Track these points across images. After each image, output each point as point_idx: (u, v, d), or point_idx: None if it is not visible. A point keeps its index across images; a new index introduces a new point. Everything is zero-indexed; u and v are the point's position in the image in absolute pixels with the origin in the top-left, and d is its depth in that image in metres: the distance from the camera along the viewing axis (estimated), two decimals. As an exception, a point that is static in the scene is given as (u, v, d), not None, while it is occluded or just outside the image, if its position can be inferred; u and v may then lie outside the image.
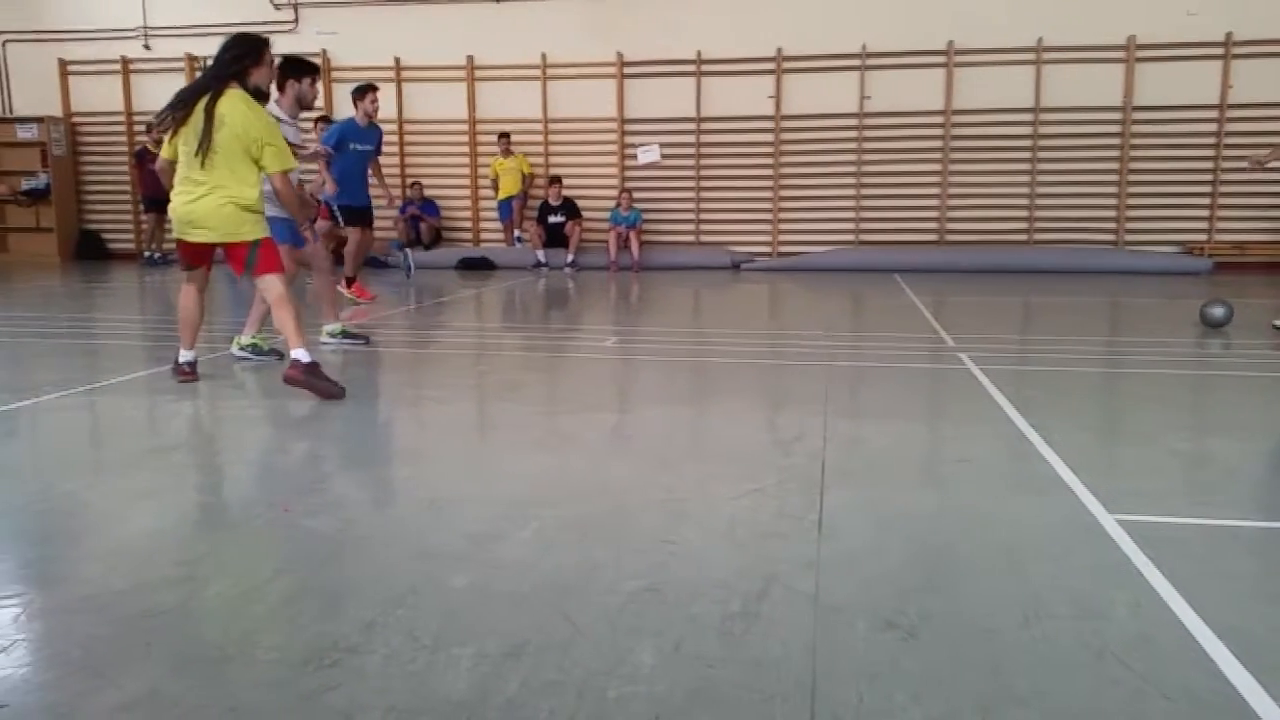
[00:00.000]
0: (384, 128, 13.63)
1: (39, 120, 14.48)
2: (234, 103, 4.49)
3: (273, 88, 5.21)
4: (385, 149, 13.64)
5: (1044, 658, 1.92)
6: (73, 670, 1.87)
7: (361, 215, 8.33)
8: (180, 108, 4.54)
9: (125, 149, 14.66)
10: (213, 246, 4.73)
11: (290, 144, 5.16)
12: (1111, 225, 12.60)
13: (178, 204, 4.63)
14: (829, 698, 1.76)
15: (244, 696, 1.77)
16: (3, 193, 14.63)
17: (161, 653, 1.93)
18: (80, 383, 4.90)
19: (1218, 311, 6.82)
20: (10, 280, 11.51)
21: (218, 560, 2.51)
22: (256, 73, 4.64)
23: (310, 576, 2.36)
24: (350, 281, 8.41)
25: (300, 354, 4.50)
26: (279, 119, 5.36)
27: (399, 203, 11.74)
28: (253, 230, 4.65)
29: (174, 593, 2.24)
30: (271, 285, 4.67)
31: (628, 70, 13.34)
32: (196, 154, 4.46)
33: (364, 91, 8.09)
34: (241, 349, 5.59)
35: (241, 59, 4.58)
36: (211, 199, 4.52)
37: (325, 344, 6.01)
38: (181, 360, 4.88)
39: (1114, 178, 12.49)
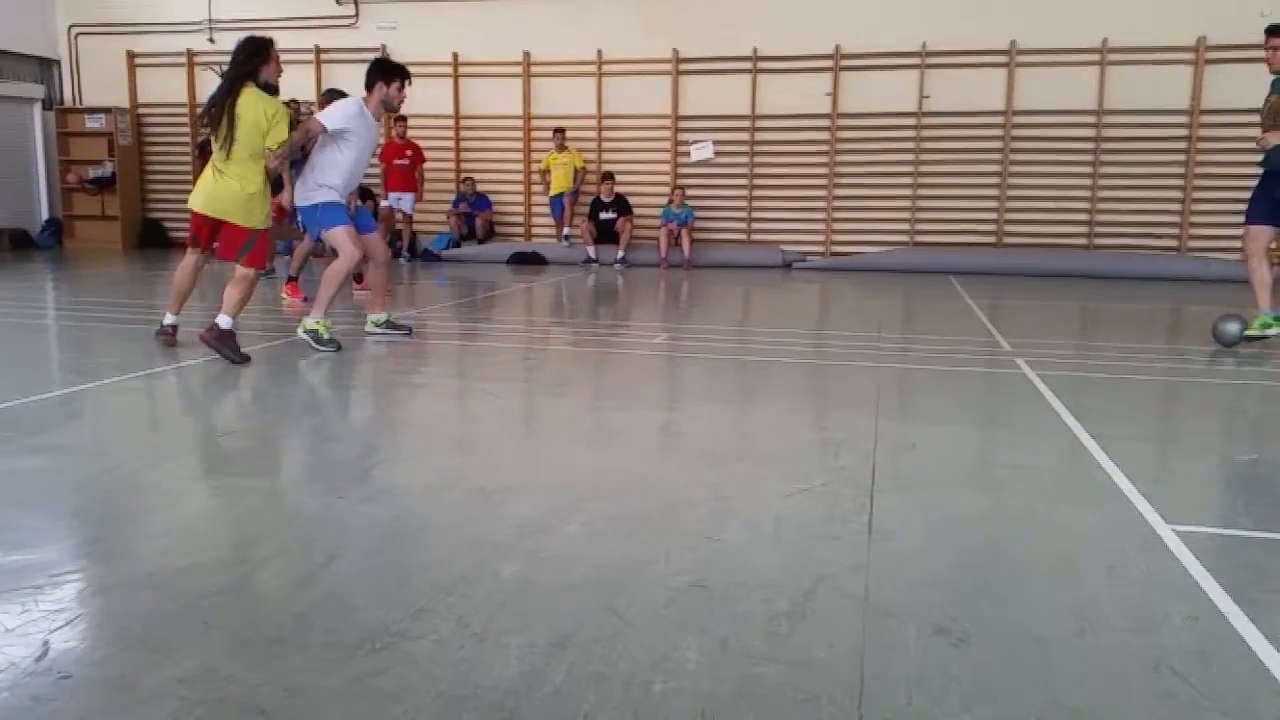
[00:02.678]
0: (441, 122, 13.97)
1: (107, 111, 14.84)
2: (248, 98, 5.12)
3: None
4: (441, 142, 13.94)
5: (1098, 669, 1.88)
6: (133, 644, 1.92)
7: None
8: (212, 113, 5.15)
9: (188, 140, 14.96)
10: (216, 226, 5.26)
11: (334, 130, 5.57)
12: (1175, 231, 12.29)
13: (204, 181, 5.24)
14: (876, 700, 1.74)
15: (297, 677, 1.80)
16: (71, 181, 15.09)
17: (219, 631, 1.98)
18: (141, 367, 5.03)
19: (1232, 328, 5.94)
20: (76, 266, 11.83)
21: (273, 543, 2.56)
22: (266, 70, 5.24)
23: (362, 562, 2.40)
24: (291, 280, 8.18)
25: (225, 320, 5.13)
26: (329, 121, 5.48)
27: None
28: (258, 220, 5.23)
29: (231, 573, 2.30)
30: (248, 274, 5.25)
31: (683, 67, 13.31)
32: (221, 147, 5.12)
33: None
34: (376, 326, 6.13)
35: (253, 58, 5.19)
36: (233, 185, 5.14)
37: (370, 334, 6.09)
38: (165, 323, 5.43)
39: (1179, 182, 12.18)
